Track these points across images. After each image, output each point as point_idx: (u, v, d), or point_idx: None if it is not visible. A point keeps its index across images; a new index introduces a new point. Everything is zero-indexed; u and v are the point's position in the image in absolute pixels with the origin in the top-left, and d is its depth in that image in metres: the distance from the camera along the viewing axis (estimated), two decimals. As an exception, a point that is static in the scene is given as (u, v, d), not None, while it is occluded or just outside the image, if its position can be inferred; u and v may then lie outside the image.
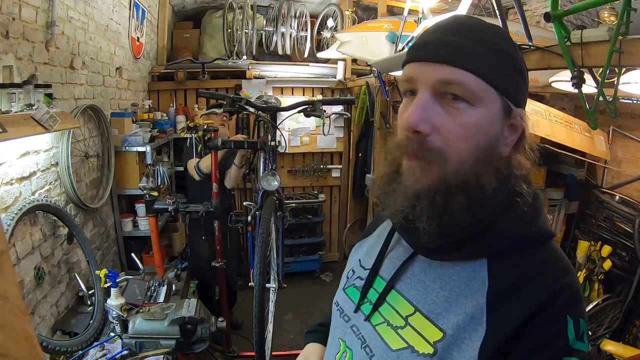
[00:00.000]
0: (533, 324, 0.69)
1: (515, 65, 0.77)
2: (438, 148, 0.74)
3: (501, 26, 2.18)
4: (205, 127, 3.13)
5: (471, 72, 0.72)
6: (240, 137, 3.83)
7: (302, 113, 2.88)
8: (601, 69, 1.78)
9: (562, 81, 2.83)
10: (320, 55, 5.52)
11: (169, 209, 2.95)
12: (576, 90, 1.84)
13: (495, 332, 0.70)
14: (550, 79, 2.96)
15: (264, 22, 5.76)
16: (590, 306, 3.15)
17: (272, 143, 2.89)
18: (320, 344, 1.09)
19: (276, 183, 2.74)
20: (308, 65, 5.68)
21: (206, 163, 3.34)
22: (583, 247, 3.53)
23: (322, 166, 5.69)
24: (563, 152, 3.61)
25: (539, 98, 3.97)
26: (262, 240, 2.45)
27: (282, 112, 2.96)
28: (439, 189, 0.74)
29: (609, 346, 2.43)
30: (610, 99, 1.97)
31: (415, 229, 0.78)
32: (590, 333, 2.99)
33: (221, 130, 3.51)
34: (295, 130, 5.42)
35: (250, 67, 5.31)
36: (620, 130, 3.80)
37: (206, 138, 3.10)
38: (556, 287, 0.71)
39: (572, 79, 1.81)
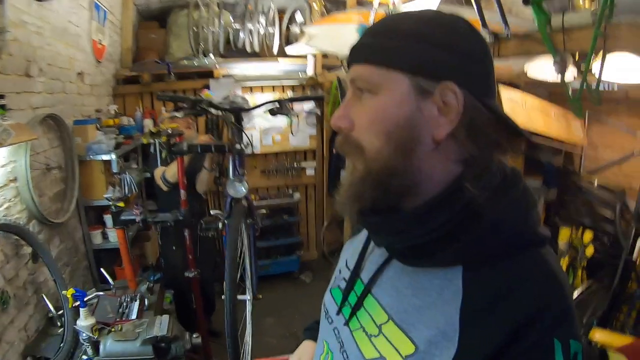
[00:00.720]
0: (513, 347, 0.63)
1: (432, 41, 0.72)
2: (356, 140, 0.77)
3: (477, 15, 2.16)
4: (169, 131, 3.00)
5: (365, 63, 0.76)
6: (205, 137, 3.71)
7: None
8: (579, 55, 1.76)
9: (540, 67, 2.75)
10: (288, 50, 5.38)
11: (137, 220, 2.80)
12: (554, 78, 1.80)
13: (468, 354, 0.66)
14: (526, 67, 2.90)
15: (231, 19, 5.62)
16: (575, 294, 3.14)
17: (238, 146, 2.67)
18: (315, 342, 1.09)
19: (243, 189, 2.57)
20: (277, 61, 5.52)
21: (172, 171, 3.21)
22: (564, 234, 3.52)
23: (295, 164, 5.60)
24: (541, 142, 3.57)
25: (514, 87, 3.95)
26: (231, 256, 2.32)
27: (247, 112, 2.77)
28: (363, 178, 0.76)
29: (598, 334, 2.38)
30: (594, 87, 1.93)
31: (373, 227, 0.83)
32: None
33: (188, 133, 3.38)
34: (267, 129, 5.31)
35: (217, 65, 5.16)
36: (596, 117, 3.79)
37: (171, 143, 2.96)
38: (540, 304, 0.65)
39: (555, 63, 1.78)
